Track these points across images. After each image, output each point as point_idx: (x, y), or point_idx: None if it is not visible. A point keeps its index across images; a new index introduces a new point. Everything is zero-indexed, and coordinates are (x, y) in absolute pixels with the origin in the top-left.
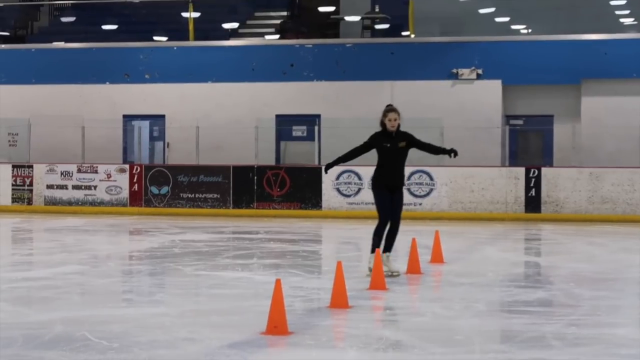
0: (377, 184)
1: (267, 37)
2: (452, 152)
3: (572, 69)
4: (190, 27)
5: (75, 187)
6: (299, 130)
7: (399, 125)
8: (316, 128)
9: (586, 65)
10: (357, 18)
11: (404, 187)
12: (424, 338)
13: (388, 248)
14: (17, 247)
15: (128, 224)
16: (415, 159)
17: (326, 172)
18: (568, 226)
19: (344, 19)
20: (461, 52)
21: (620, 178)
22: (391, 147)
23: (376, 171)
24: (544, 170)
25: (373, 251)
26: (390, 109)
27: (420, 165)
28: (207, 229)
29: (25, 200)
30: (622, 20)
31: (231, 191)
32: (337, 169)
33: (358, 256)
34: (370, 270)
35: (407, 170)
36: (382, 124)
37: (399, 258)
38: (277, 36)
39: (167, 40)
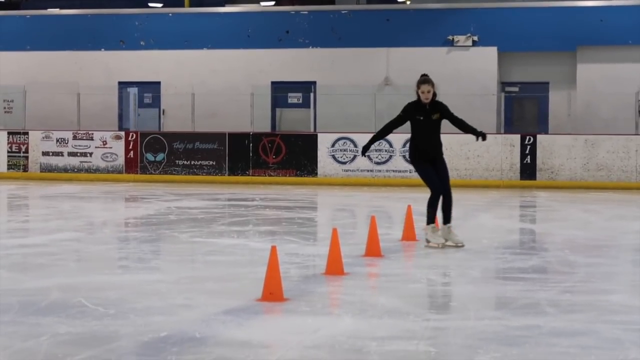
0: (415, 156)
1: (263, 3)
2: (481, 135)
3: (568, 36)
4: None
5: (70, 154)
6: (294, 97)
7: (434, 95)
8: (312, 95)
9: (582, 32)
10: None
11: (443, 156)
12: (419, 304)
13: (447, 219)
14: (13, 214)
15: (124, 190)
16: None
17: (364, 156)
18: (563, 193)
19: None
20: (457, 19)
21: (615, 145)
22: (424, 119)
23: (411, 143)
24: (539, 137)
25: (429, 222)
26: (423, 80)
27: None
28: (203, 196)
29: (21, 167)
30: None
31: (227, 158)
32: (332, 136)
33: (353, 223)
34: (428, 241)
35: (402, 137)
36: (417, 94)
37: (394, 225)
38: (273, 2)
39: (163, 7)
